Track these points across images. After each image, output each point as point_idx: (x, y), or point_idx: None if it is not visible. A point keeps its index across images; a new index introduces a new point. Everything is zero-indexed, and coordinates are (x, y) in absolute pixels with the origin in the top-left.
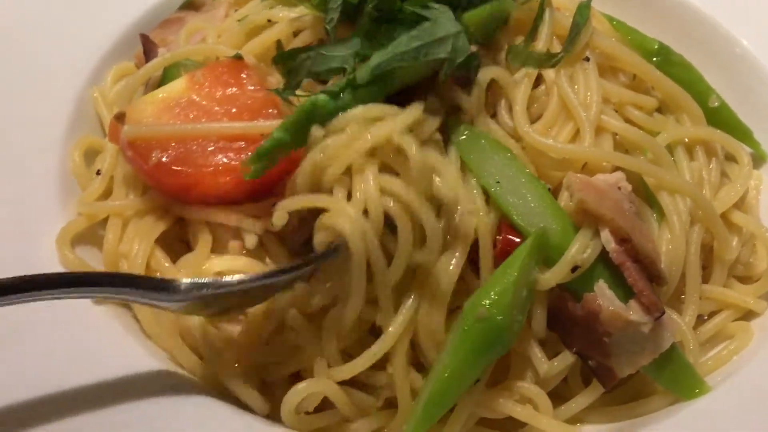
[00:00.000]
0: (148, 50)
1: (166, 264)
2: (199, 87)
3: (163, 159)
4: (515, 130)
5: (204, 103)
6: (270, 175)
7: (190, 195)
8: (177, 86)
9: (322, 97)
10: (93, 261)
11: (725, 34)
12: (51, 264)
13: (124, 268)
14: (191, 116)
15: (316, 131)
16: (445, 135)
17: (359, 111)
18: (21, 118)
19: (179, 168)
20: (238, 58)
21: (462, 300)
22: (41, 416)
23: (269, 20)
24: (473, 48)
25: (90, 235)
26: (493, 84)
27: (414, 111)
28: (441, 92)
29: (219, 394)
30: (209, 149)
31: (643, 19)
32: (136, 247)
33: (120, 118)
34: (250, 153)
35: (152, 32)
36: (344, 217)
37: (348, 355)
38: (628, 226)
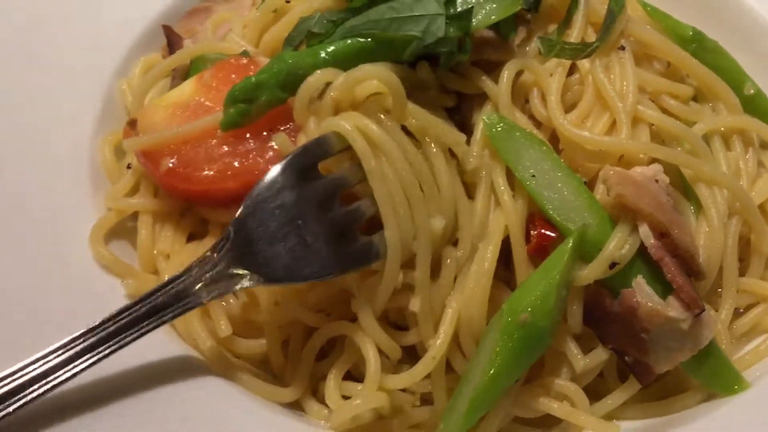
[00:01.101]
0: (173, 42)
1: None
2: (207, 89)
3: (171, 165)
4: (549, 120)
5: (211, 104)
6: None
7: (201, 199)
8: (186, 89)
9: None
10: (126, 257)
11: (759, 18)
12: (86, 261)
13: (162, 267)
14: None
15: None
16: (467, 120)
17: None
18: (50, 114)
19: (188, 173)
20: (245, 55)
21: (498, 294)
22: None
23: (288, 1)
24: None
25: (121, 229)
26: (522, 73)
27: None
28: (467, 73)
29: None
30: (217, 153)
31: (675, 2)
32: (169, 247)
33: (132, 124)
34: (256, 155)
35: (179, 22)
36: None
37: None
38: (666, 220)
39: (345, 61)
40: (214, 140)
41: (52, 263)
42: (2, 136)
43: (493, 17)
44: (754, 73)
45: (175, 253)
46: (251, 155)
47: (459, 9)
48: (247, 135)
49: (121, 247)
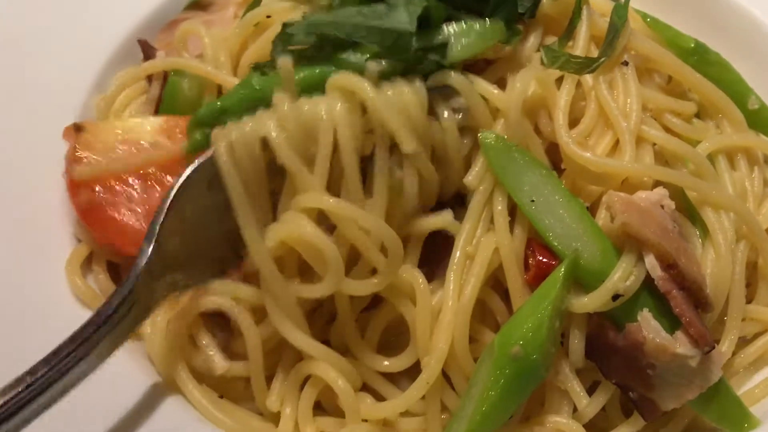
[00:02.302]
0: (148, 56)
1: None
2: (172, 134)
3: (89, 198)
4: (552, 134)
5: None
6: None
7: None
8: (152, 125)
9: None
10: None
11: (762, 26)
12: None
13: None
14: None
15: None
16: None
17: None
18: (27, 129)
19: (98, 214)
20: None
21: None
22: None
23: (268, 16)
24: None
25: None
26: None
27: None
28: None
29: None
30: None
31: (675, 11)
32: None
33: (78, 129)
34: None
35: (158, 35)
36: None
37: None
38: (673, 249)
39: (310, 89)
40: (138, 181)
41: (29, 293)
42: None
43: (469, 52)
44: (758, 82)
45: None
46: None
47: (434, 42)
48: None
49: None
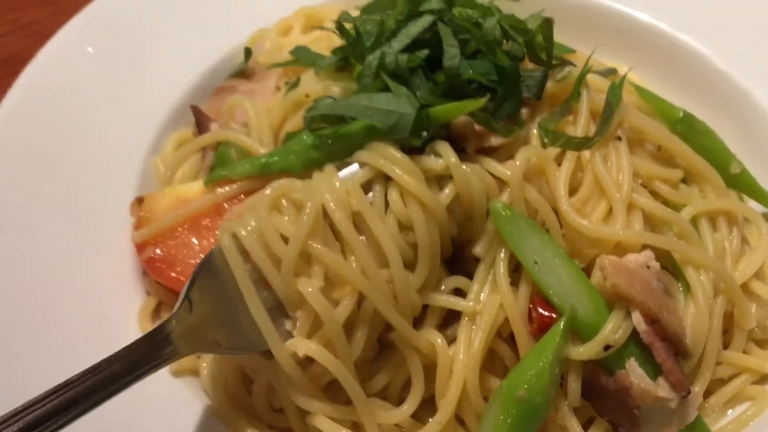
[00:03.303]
0: (200, 122)
1: None
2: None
3: (152, 255)
4: (554, 201)
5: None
6: None
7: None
8: (195, 189)
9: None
10: None
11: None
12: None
13: None
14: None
15: None
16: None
17: None
18: (90, 193)
19: (162, 269)
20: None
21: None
22: None
23: (307, 95)
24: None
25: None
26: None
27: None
28: (475, 160)
29: None
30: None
31: (666, 78)
32: None
33: (140, 201)
34: None
35: (208, 101)
36: None
37: None
38: (657, 306)
39: (312, 163)
40: (192, 234)
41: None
42: (47, 213)
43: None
44: (742, 143)
45: None
46: None
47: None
48: None
49: None
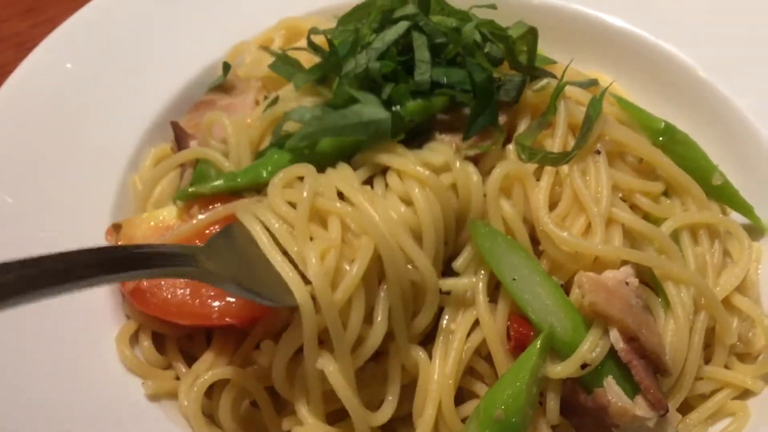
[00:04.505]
0: (180, 138)
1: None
2: (189, 219)
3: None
4: (530, 216)
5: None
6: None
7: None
8: (172, 213)
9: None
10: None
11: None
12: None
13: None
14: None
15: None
16: None
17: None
18: (68, 209)
19: (146, 299)
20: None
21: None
22: None
23: (285, 113)
24: None
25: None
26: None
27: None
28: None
29: None
30: (179, 287)
31: (647, 86)
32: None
33: (116, 228)
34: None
35: (186, 116)
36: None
37: None
38: (635, 324)
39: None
40: None
41: (80, 374)
42: (22, 229)
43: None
44: (724, 153)
45: None
46: (209, 299)
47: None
48: None
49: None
